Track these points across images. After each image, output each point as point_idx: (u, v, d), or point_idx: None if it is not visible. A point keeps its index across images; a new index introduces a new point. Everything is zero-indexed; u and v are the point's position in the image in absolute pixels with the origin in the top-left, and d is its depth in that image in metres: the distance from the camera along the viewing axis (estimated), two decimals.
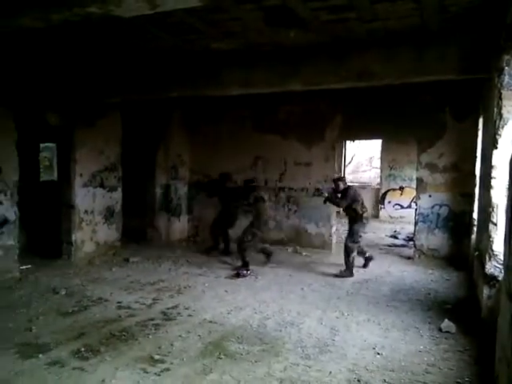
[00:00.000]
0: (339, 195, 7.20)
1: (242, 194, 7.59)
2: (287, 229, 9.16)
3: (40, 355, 3.92)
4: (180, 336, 4.43)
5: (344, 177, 7.70)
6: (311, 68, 6.01)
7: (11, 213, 6.40)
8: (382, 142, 14.57)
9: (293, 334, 4.55)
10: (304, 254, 8.49)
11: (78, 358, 3.88)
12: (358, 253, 7.23)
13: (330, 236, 8.75)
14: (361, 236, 7.30)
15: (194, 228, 10.10)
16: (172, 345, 4.20)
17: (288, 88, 6.39)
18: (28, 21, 3.63)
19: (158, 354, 3.98)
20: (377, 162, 19.65)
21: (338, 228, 9.79)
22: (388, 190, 14.26)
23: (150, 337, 4.41)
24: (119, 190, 8.39)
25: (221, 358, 3.95)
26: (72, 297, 5.68)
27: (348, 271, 6.93)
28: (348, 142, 16.21)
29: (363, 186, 16.32)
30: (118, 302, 5.47)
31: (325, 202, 7.44)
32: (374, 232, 11.13)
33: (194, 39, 5.77)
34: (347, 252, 6.99)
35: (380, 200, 14.45)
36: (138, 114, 8.68)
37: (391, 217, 14.01)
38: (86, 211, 7.68)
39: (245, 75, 6.32)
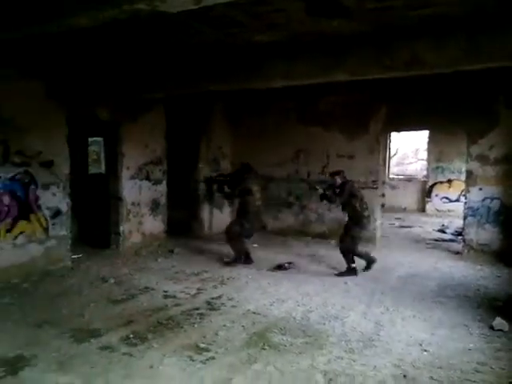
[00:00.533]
0: (338, 191, 6.66)
1: (232, 183, 7.33)
2: (329, 222, 9.08)
3: (92, 340, 4.10)
4: (224, 326, 4.50)
5: (342, 170, 6.90)
6: (355, 58, 5.87)
7: (63, 204, 6.70)
8: (429, 133, 14.12)
9: (336, 327, 4.52)
10: None
11: (127, 344, 4.03)
12: (360, 255, 6.67)
13: (374, 230, 8.58)
14: (360, 238, 6.68)
15: None
16: (217, 334, 4.28)
17: (331, 79, 6.28)
18: (79, 20, 3.76)
19: (203, 343, 4.07)
20: (423, 154, 19.06)
21: (383, 222, 9.59)
22: (435, 183, 13.83)
23: (196, 326, 4.51)
24: (164, 182, 8.59)
25: (265, 349, 3.98)
26: (120, 285, 5.89)
27: (351, 271, 6.50)
28: (393, 134, 15.83)
29: (409, 179, 15.91)
30: (164, 291, 5.62)
31: (321, 199, 6.96)
32: (421, 226, 10.83)
33: (236, 32, 5.77)
34: (344, 253, 6.57)
35: (426, 193, 14.03)
36: (181, 107, 8.82)
37: (438, 210, 13.59)
38: (132, 203, 7.92)
39: (287, 67, 6.26)
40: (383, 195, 10.13)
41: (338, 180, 6.69)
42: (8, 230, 5.91)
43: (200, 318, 4.71)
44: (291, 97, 8.95)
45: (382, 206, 9.08)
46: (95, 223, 8.67)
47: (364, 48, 5.81)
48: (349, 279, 6.27)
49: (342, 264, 6.60)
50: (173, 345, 4.04)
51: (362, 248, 6.78)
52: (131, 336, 4.20)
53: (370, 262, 6.75)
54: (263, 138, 9.54)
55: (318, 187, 7.05)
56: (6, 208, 5.87)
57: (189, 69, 6.74)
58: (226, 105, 9.80)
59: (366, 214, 6.62)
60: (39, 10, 3.71)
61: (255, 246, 8.47)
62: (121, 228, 7.76)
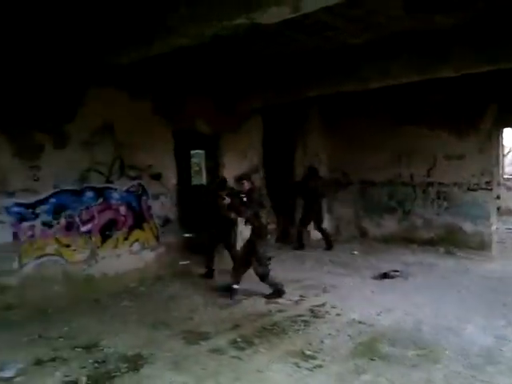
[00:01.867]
0: (245, 200, 5.64)
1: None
2: (437, 227, 8.49)
3: (202, 342, 4.29)
4: (329, 334, 4.43)
5: (249, 174, 6.09)
6: (458, 53, 5.46)
7: (172, 213, 7.14)
8: None
9: (451, 340, 4.20)
10: (458, 254, 7.78)
11: (235, 348, 4.15)
12: (268, 283, 5.74)
13: (490, 235, 7.85)
14: (270, 258, 5.82)
15: (335, 227, 10.02)
16: (322, 342, 4.22)
17: (432, 76, 5.94)
18: (181, 40, 3.99)
19: (309, 350, 4.04)
20: None
21: (499, 226, 8.74)
22: None
23: (300, 332, 4.50)
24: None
25: (373, 360, 3.83)
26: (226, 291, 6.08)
27: (277, 292, 5.72)
28: (505, 130, 14.41)
29: None
30: None
31: (228, 209, 5.89)
32: None
33: (331, 36, 5.71)
34: (263, 278, 5.70)
35: None
36: (276, 115, 8.93)
37: None
38: None
39: (384, 67, 6.04)
40: (498, 197, 9.23)
41: (246, 186, 5.74)
42: (125, 238, 6.44)
43: (304, 325, 4.69)
44: (389, 98, 8.60)
45: (498, 209, 8.26)
46: (199, 231, 9.09)
47: (468, 41, 5.39)
48: (463, 287, 5.79)
49: (454, 272, 6.13)
50: (279, 350, 4.07)
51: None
52: (238, 340, 4.31)
53: (277, 291, 5.75)
54: (361, 141, 9.26)
55: (224, 196, 5.99)
56: (122, 218, 6.42)
57: (285, 77, 6.81)
58: (321, 110, 9.72)
59: (271, 227, 6.06)
60: (144, 33, 4.03)
61: (355, 252, 8.25)
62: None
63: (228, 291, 5.75)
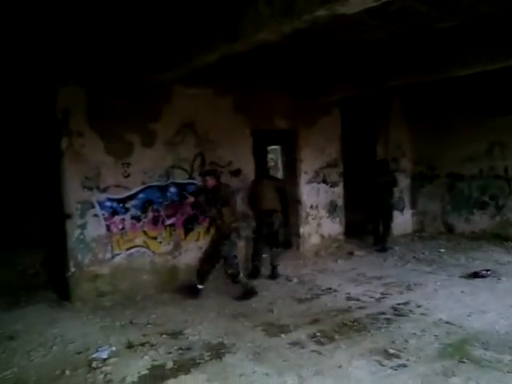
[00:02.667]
0: (210, 197, 5.44)
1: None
2: None
3: (282, 335, 4.31)
4: (414, 334, 4.23)
5: (215, 169, 5.72)
6: None
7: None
8: None
9: None
10: None
11: (315, 342, 4.12)
12: (239, 283, 5.54)
13: None
14: (236, 257, 5.50)
15: (419, 223, 9.57)
16: (406, 341, 4.05)
17: None
18: (262, 36, 4.00)
19: (393, 349, 3.89)
20: None
21: None
22: None
23: (382, 330, 4.36)
24: (341, 184, 8.57)
25: (463, 362, 3.60)
26: (304, 285, 6.08)
27: (248, 293, 5.51)
28: None
29: None
30: (347, 293, 5.60)
31: (193, 209, 5.73)
32: None
33: (415, 23, 5.42)
34: (233, 278, 5.49)
35: None
36: (355, 107, 8.70)
37: None
38: (311, 206, 8.12)
39: (474, 51, 5.61)
40: None
41: (210, 183, 5.48)
42: (206, 232, 6.67)
43: (387, 323, 4.53)
44: (473, 86, 7.97)
45: None
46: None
47: None
48: None
49: None
50: (360, 347, 3.97)
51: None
52: (318, 334, 4.27)
53: (248, 291, 5.55)
54: (449, 132, 8.73)
55: (187, 195, 5.83)
56: None
57: (365, 67, 6.57)
58: (404, 102, 9.30)
59: (235, 225, 5.52)
60: (227, 30, 4.09)
61: (442, 250, 7.81)
62: (301, 230, 8.02)
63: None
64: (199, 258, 5.87)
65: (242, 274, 5.62)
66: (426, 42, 5.97)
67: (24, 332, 4.62)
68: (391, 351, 3.85)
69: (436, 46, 5.90)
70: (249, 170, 7.19)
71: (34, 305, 5.50)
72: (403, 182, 9.48)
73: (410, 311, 4.88)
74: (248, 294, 5.51)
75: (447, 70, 5.90)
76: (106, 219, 5.74)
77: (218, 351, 3.99)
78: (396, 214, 9.29)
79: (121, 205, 5.85)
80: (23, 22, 4.42)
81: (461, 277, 6.16)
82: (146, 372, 3.65)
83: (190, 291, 5.67)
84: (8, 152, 6.18)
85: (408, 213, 9.58)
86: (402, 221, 9.46)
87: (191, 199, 5.67)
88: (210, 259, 5.65)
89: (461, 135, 8.52)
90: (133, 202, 5.96)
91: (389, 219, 8.30)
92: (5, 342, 4.37)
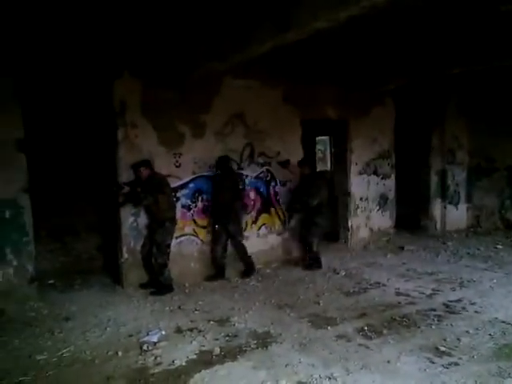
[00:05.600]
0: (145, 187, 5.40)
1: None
2: None
3: (328, 327, 4.29)
4: (467, 332, 4.07)
5: (148, 160, 5.58)
6: None
7: None
8: None
9: None
10: None
11: (362, 336, 4.06)
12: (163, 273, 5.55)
13: None
14: (168, 246, 5.57)
15: (474, 217, 9.15)
16: (459, 339, 3.91)
17: None
18: (317, 23, 3.90)
19: (444, 347, 3.77)
20: None
21: None
22: None
23: (433, 327, 4.23)
24: (392, 177, 8.34)
25: None
26: (351, 278, 6.00)
27: (165, 288, 5.52)
28: None
29: None
30: (396, 288, 5.47)
31: (122, 204, 5.59)
32: None
33: (477, 4, 5.10)
34: (160, 268, 5.53)
35: None
36: (410, 97, 8.40)
37: None
38: (360, 198, 7.96)
39: None
40: None
41: (144, 173, 5.48)
42: (253, 222, 6.73)
43: (438, 320, 4.39)
44: None
45: None
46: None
47: None
48: None
49: None
50: (409, 343, 3.88)
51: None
52: (365, 328, 4.21)
53: (162, 285, 5.55)
54: (507, 123, 8.25)
55: (122, 185, 5.63)
56: (252, 202, 6.71)
57: (422, 55, 6.27)
58: (461, 92, 8.84)
59: (170, 214, 5.55)
60: (279, 20, 4.05)
61: (499, 246, 7.44)
62: (349, 222, 7.89)
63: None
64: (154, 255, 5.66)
65: (169, 268, 5.63)
66: (486, 28, 5.63)
67: (79, 313, 4.88)
68: (442, 349, 3.73)
69: (497, 32, 5.55)
70: (295, 160, 7.13)
71: (88, 288, 5.80)
72: (459, 175, 9.09)
73: (463, 309, 4.70)
74: (165, 289, 5.52)
75: (509, 59, 5.54)
76: None
77: (264, 340, 4.03)
78: (450, 208, 8.98)
79: (172, 193, 6.01)
80: (81, 19, 4.61)
81: None
82: (194, 357, 3.75)
83: (163, 289, 5.57)
84: (69, 143, 6.47)
85: (463, 207, 9.17)
86: (456, 215, 9.08)
87: (126, 189, 5.62)
88: (144, 246, 5.73)
89: None
90: (183, 192, 6.10)
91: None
92: (62, 323, 4.63)
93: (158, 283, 5.56)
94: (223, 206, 6.02)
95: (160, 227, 5.53)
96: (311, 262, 6.53)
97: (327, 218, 6.74)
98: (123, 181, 5.63)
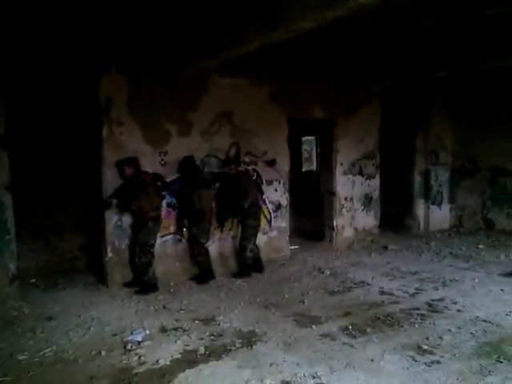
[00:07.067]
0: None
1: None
2: None
3: (313, 326, 4.31)
4: (449, 330, 4.13)
5: (134, 157, 5.58)
6: None
7: (284, 199, 7.25)
8: None
9: None
10: None
11: (347, 335, 4.09)
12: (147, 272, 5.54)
13: None
14: (151, 245, 5.54)
15: (457, 218, 9.30)
16: (441, 338, 3.96)
17: None
18: (303, 24, 3.91)
19: (426, 345, 3.82)
20: None
21: None
22: None
23: (416, 326, 4.28)
24: (377, 177, 8.41)
25: (501, 362, 3.50)
26: (336, 277, 6.04)
27: (148, 288, 5.46)
28: None
29: None
30: (380, 288, 5.52)
31: (107, 206, 5.52)
32: None
33: (462, 8, 5.15)
34: (143, 268, 5.52)
35: None
36: (395, 99, 8.48)
37: None
38: (345, 198, 8.01)
39: None
40: None
41: (128, 171, 5.46)
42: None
43: (421, 319, 4.44)
44: None
45: None
46: (308, 217, 9.16)
47: None
48: None
49: None
50: (392, 342, 3.92)
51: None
52: (350, 327, 4.24)
53: (147, 284, 5.51)
54: (491, 125, 8.39)
55: (105, 206, 5.58)
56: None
57: (408, 57, 6.31)
58: (446, 94, 8.95)
59: (153, 214, 5.45)
60: (267, 19, 4.05)
61: (481, 246, 7.57)
62: (334, 222, 7.94)
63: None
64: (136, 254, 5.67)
65: (153, 267, 5.59)
66: (472, 31, 5.70)
67: (62, 313, 4.82)
68: (425, 347, 3.78)
69: (482, 35, 5.63)
70: (283, 161, 7.17)
71: (71, 288, 5.72)
72: (442, 175, 9.23)
73: (446, 308, 4.77)
74: (149, 288, 5.46)
75: (493, 61, 5.63)
76: None
77: (249, 339, 4.03)
78: (433, 208, 9.10)
79: (160, 192, 5.94)
80: (67, 16, 4.54)
81: (500, 274, 5.96)
82: (179, 356, 3.73)
83: (145, 289, 5.50)
84: (53, 139, 6.37)
85: (446, 207, 9.31)
86: (440, 215, 9.23)
87: (114, 202, 5.53)
88: (131, 244, 5.71)
89: (505, 129, 8.16)
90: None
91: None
92: (44, 322, 4.56)
93: (143, 282, 5.53)
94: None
95: (143, 227, 5.49)
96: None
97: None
98: (107, 195, 5.54)
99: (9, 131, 4.99)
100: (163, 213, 5.91)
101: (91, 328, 4.38)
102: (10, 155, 5.00)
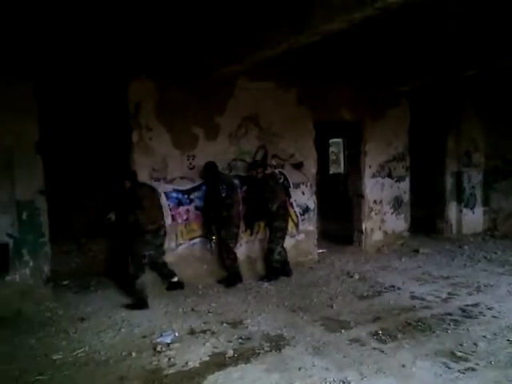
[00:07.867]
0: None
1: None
2: None
3: (342, 331, 4.25)
4: (484, 337, 4.00)
5: (133, 170, 5.48)
6: None
7: (311, 202, 7.20)
8: None
9: None
10: None
11: (377, 340, 4.01)
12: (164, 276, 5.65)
13: None
14: (144, 257, 5.23)
15: (491, 221, 9.01)
16: (475, 344, 3.84)
17: None
18: (331, 25, 3.88)
19: (460, 352, 3.71)
20: None
21: None
22: None
23: (449, 332, 4.16)
24: (407, 179, 8.25)
25: None
26: (365, 281, 5.95)
27: (137, 304, 5.11)
28: None
29: None
30: (411, 292, 5.41)
31: (106, 221, 5.27)
32: None
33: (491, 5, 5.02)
34: (132, 279, 5.21)
35: None
36: (425, 100, 8.31)
37: None
38: (374, 201, 7.89)
39: None
40: None
41: (126, 185, 5.32)
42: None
43: (454, 325, 4.32)
44: None
45: None
46: (336, 220, 9.07)
47: None
48: None
49: None
50: (424, 348, 3.82)
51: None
52: (380, 332, 4.16)
53: (139, 302, 5.14)
54: None
55: (106, 220, 5.31)
56: None
57: (438, 57, 6.18)
58: (478, 94, 8.70)
59: (151, 227, 5.20)
60: (293, 22, 4.04)
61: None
62: (363, 225, 7.83)
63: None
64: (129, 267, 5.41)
65: (141, 280, 5.22)
66: (503, 29, 5.54)
67: (94, 314, 4.93)
68: (459, 354, 3.67)
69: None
70: (310, 163, 7.12)
71: (102, 290, 5.84)
72: (475, 177, 8.97)
73: (480, 313, 4.63)
74: (137, 304, 5.11)
75: None
76: (171, 209, 5.95)
77: (277, 343, 4.01)
78: (466, 211, 8.84)
79: (186, 196, 6.04)
80: (98, 22, 4.67)
81: None
82: (208, 358, 3.75)
83: (136, 305, 5.16)
84: (85, 145, 6.53)
85: (479, 210, 9.03)
86: (473, 219, 8.95)
87: (113, 218, 5.32)
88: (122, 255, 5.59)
89: None
90: (197, 194, 6.12)
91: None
92: (77, 323, 4.67)
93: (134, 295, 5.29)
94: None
95: (139, 238, 5.22)
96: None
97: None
98: (109, 215, 5.33)
99: (43, 136, 5.15)
100: (192, 216, 5.97)
101: (122, 329, 4.46)
102: (44, 160, 5.16)
